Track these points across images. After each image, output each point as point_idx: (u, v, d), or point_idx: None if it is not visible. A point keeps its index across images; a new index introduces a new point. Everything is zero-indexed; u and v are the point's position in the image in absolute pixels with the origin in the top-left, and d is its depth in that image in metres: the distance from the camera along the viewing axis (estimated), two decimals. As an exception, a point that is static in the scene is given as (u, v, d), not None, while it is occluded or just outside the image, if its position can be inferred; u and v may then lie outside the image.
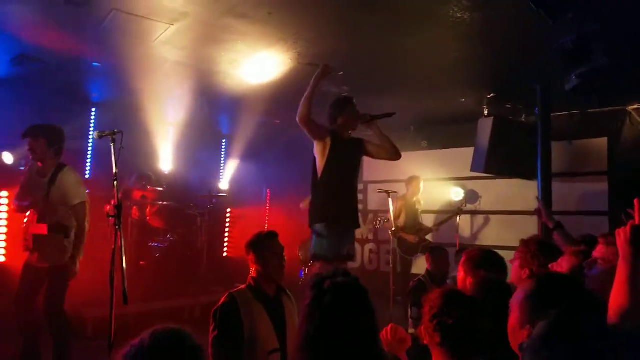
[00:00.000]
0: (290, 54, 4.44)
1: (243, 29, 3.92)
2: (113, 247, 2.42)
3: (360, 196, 7.43)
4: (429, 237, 6.25)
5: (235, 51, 4.39)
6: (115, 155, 2.55)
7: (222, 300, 2.36)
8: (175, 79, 5.15)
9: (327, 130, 3.53)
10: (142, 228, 5.80)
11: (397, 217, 5.99)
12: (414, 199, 6.21)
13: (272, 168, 5.86)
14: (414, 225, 6.11)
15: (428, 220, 6.51)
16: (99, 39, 4.15)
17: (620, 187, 5.48)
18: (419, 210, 6.28)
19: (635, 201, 1.57)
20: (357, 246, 7.44)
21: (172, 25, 3.84)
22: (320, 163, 3.53)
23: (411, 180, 6.20)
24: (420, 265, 5.39)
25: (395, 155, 3.71)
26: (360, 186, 7.48)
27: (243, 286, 2.47)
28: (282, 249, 2.50)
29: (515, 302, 1.46)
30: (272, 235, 2.54)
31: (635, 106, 5.55)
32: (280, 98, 5.70)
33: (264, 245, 2.44)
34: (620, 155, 5.65)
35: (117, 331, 2.40)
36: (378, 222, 6.36)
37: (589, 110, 5.66)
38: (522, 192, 5.95)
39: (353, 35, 4.04)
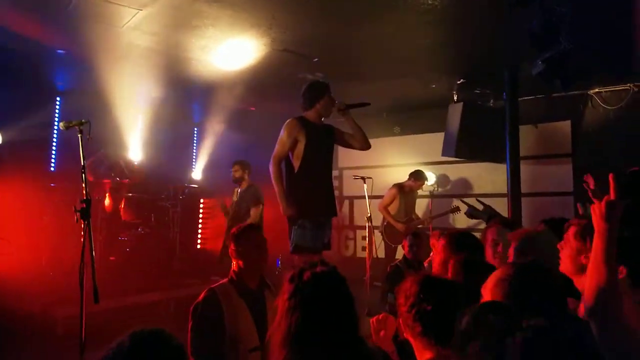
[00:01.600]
0: (265, 40, 4.32)
1: (215, 14, 3.77)
2: (82, 242, 2.29)
3: (335, 182, 7.40)
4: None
5: (207, 37, 4.23)
6: (82, 147, 2.40)
7: (203, 295, 2.26)
8: (144, 65, 4.95)
9: (296, 129, 3.41)
10: (112, 222, 5.58)
11: (387, 204, 5.95)
12: (414, 191, 6.13)
13: (246, 156, 5.75)
14: (407, 214, 6.07)
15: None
16: (64, 24, 3.93)
17: (584, 168, 5.61)
18: (415, 200, 6.23)
19: (610, 176, 1.55)
20: (333, 232, 7.41)
21: (141, 10, 3.66)
22: (295, 156, 3.44)
23: (417, 175, 6.06)
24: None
25: (366, 145, 3.67)
26: (336, 172, 7.45)
27: (224, 280, 2.38)
28: (264, 242, 2.43)
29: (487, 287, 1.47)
30: (252, 228, 2.47)
31: (596, 90, 5.67)
32: (256, 85, 5.58)
33: (245, 237, 2.36)
34: (582, 137, 5.78)
35: (88, 329, 2.29)
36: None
37: (554, 95, 5.75)
38: (491, 175, 6.04)
39: (327, 21, 3.96)
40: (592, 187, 1.87)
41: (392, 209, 6.00)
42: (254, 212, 5.39)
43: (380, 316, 1.85)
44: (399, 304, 1.57)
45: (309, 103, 3.49)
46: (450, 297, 1.55)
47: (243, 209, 5.47)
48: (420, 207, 6.61)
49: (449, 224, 6.55)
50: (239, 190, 5.63)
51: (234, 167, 5.57)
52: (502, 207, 5.51)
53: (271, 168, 3.41)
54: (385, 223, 5.99)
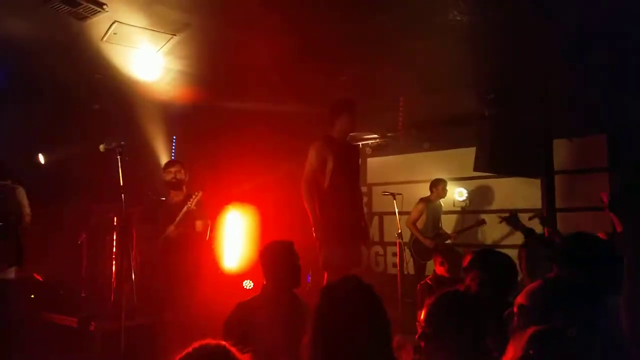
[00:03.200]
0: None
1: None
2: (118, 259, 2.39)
3: (365, 199, 7.41)
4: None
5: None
6: (121, 168, 2.52)
7: (233, 310, 2.32)
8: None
9: (324, 149, 3.51)
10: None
11: (415, 220, 5.93)
12: (438, 201, 6.12)
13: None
14: (434, 229, 6.03)
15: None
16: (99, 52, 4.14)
17: (621, 182, 5.45)
18: (441, 213, 6.20)
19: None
20: (364, 249, 7.38)
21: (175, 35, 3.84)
22: (324, 175, 3.51)
23: (437, 183, 6.06)
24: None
25: None
26: (365, 188, 7.45)
27: (255, 294, 2.43)
28: (298, 257, 2.47)
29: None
30: (287, 244, 2.52)
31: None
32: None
33: (269, 253, 2.41)
34: (619, 151, 5.61)
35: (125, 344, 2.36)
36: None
37: (589, 108, 5.62)
38: (525, 190, 5.92)
39: (353, 42, 4.02)
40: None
41: (420, 224, 5.96)
42: (204, 226, 4.25)
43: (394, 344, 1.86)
44: (419, 321, 1.59)
45: (331, 119, 3.60)
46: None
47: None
48: (451, 223, 6.51)
49: (478, 240, 6.44)
50: (174, 200, 4.28)
51: (174, 166, 4.32)
52: (536, 222, 5.40)
53: (304, 193, 3.49)
54: (413, 239, 5.95)
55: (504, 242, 5.62)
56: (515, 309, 1.48)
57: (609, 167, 5.68)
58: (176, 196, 4.24)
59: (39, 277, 4.76)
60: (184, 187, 4.27)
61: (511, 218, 3.52)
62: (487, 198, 6.60)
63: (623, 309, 1.95)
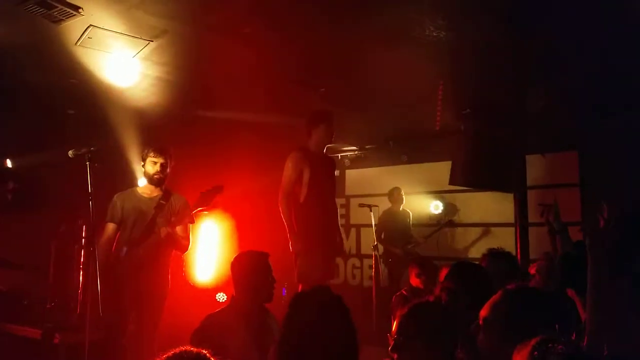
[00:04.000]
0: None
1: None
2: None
3: (342, 210, 7.43)
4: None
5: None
6: (90, 175, 2.46)
7: (201, 322, 2.27)
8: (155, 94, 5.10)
9: (301, 160, 3.52)
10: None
11: (381, 231, 5.98)
12: (400, 209, 6.22)
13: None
14: (402, 237, 6.10)
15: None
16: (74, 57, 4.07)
17: (591, 198, 5.60)
18: (409, 222, 6.28)
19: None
20: (340, 261, 7.38)
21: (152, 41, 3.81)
22: (300, 187, 3.51)
23: (392, 192, 6.23)
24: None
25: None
26: (343, 200, 7.47)
27: (224, 306, 2.39)
28: (271, 270, 2.45)
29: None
30: (261, 255, 2.49)
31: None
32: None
33: (239, 263, 2.38)
34: (590, 167, 5.78)
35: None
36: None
37: (561, 124, 5.79)
38: (499, 204, 6.03)
39: (332, 54, 4.06)
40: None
41: (387, 235, 6.05)
42: (187, 232, 3.56)
43: None
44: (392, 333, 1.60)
45: (308, 130, 3.62)
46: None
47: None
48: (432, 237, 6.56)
49: (457, 253, 6.51)
50: (150, 197, 3.52)
51: (162, 157, 3.50)
52: (510, 236, 5.50)
53: (281, 205, 3.49)
54: (383, 250, 6.00)
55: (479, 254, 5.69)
56: (480, 322, 1.50)
57: (580, 183, 5.84)
58: (151, 192, 3.47)
59: (0, 287, 4.59)
60: (163, 185, 3.51)
61: (554, 206, 3.36)
62: (463, 211, 6.69)
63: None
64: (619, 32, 3.51)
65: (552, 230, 3.12)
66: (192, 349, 1.16)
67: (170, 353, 1.14)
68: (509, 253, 3.04)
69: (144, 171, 3.48)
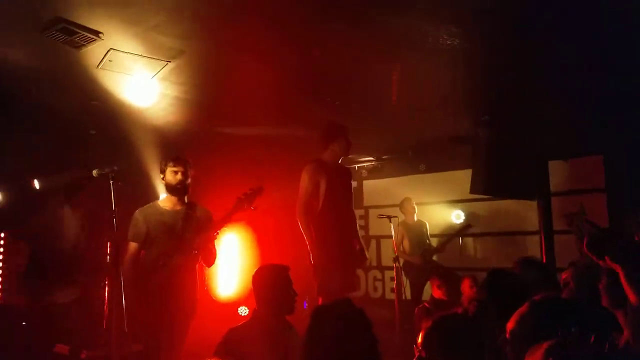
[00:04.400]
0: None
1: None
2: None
3: (361, 222, 7.40)
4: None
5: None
6: (114, 193, 2.53)
7: (224, 336, 2.29)
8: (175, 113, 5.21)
9: (316, 172, 3.54)
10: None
11: (399, 244, 5.95)
12: (415, 220, 6.17)
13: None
14: (420, 247, 6.05)
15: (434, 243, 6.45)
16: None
17: (619, 203, 5.46)
18: (427, 232, 6.23)
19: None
20: (360, 273, 7.33)
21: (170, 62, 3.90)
22: (317, 199, 3.53)
23: (403, 204, 6.20)
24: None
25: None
26: (362, 211, 7.45)
27: (246, 320, 2.41)
28: (291, 283, 2.45)
29: None
30: (282, 268, 2.49)
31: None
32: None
33: (259, 277, 2.40)
34: (616, 172, 5.64)
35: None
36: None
37: (585, 128, 5.68)
38: (522, 212, 5.92)
39: (347, 67, 4.09)
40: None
41: (406, 247, 6.03)
42: (214, 245, 3.44)
43: None
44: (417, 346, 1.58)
45: (324, 144, 3.63)
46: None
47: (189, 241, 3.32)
48: (451, 247, 6.47)
49: (480, 263, 6.40)
50: (174, 209, 3.44)
51: (181, 165, 3.47)
52: (534, 244, 5.39)
53: (300, 218, 3.50)
54: (403, 262, 5.94)
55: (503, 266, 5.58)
56: (507, 335, 1.47)
57: (607, 188, 5.70)
58: (174, 204, 3.37)
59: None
60: (186, 196, 3.42)
61: (578, 215, 3.37)
62: (485, 220, 6.59)
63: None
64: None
65: (581, 238, 3.06)
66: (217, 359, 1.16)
67: None
68: (540, 261, 2.97)
69: (165, 183, 3.41)
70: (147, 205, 3.40)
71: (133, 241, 3.21)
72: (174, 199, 3.39)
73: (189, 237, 3.20)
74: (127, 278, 2.74)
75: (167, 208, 3.39)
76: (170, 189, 3.37)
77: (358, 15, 3.30)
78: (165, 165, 3.39)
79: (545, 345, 1.10)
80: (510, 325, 1.46)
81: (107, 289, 4.76)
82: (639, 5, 3.04)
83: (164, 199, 3.50)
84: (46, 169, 5.36)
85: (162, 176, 3.43)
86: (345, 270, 3.56)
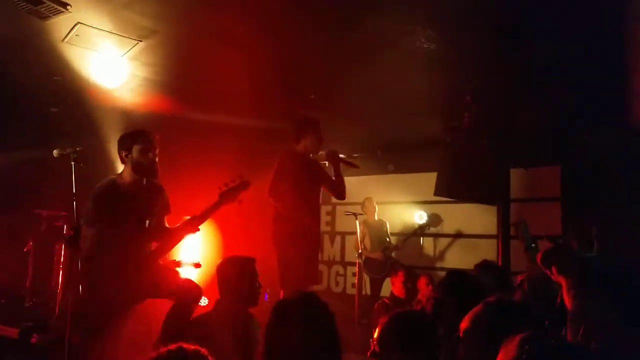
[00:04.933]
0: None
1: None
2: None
3: (328, 218, 7.44)
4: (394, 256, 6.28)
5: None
6: (75, 175, 2.44)
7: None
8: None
9: (287, 159, 3.52)
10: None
11: (361, 240, 6.03)
12: (375, 219, 6.27)
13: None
14: (380, 245, 6.15)
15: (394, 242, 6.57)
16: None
17: (572, 212, 5.71)
18: (387, 231, 6.33)
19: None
20: (324, 268, 7.38)
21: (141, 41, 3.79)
22: (286, 188, 3.51)
23: (364, 203, 6.29)
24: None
25: (341, 196, 3.77)
26: (329, 207, 7.48)
27: (207, 310, 2.38)
28: (257, 275, 2.44)
29: None
30: (248, 260, 2.49)
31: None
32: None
33: (238, 268, 2.37)
34: (572, 182, 5.89)
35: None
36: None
37: (544, 139, 5.90)
38: (482, 216, 6.10)
39: (322, 61, 4.09)
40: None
41: (367, 243, 6.14)
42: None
43: None
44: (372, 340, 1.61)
45: (296, 137, 3.61)
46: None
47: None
48: (412, 246, 6.60)
49: (438, 262, 6.56)
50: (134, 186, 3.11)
51: (154, 147, 3.10)
52: (492, 248, 5.56)
53: (271, 195, 3.47)
54: (364, 258, 6.02)
55: (463, 267, 5.75)
56: (460, 334, 1.52)
57: (562, 197, 5.95)
58: (138, 183, 3.03)
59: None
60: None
61: (521, 224, 3.59)
62: (446, 222, 6.75)
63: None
64: (605, 48, 3.61)
65: (528, 246, 3.27)
66: (187, 345, 1.14)
67: (164, 350, 1.11)
68: (497, 265, 3.09)
69: (133, 160, 2.98)
70: (105, 181, 3.00)
71: (88, 224, 2.84)
72: (135, 176, 3.01)
73: (155, 216, 3.04)
74: (83, 259, 2.53)
75: (130, 185, 3.03)
76: (140, 168, 2.99)
77: (335, 12, 3.31)
78: (135, 143, 3.00)
79: (518, 337, 1.12)
80: (464, 324, 1.50)
81: (61, 272, 4.60)
82: (602, 17, 3.17)
83: (123, 173, 3.08)
84: (2, 145, 5.11)
85: (125, 153, 3.00)
86: (309, 263, 3.57)
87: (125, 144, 3.01)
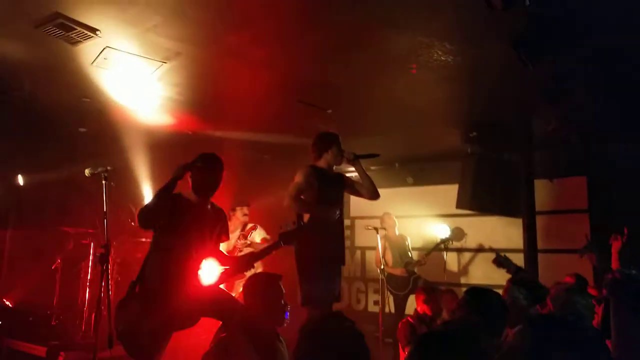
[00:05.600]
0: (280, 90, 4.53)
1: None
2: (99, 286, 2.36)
3: (347, 232, 7.42)
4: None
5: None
6: (106, 194, 2.52)
7: (211, 345, 2.26)
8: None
9: (311, 175, 3.52)
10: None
11: (382, 255, 5.97)
12: (397, 234, 6.21)
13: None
14: (402, 260, 6.08)
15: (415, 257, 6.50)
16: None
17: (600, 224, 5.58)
18: (408, 246, 6.27)
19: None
20: (344, 284, 7.34)
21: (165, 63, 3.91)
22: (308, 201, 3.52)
23: (382, 218, 6.23)
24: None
25: (374, 195, 3.76)
26: (347, 222, 7.47)
27: (235, 331, 2.38)
28: (283, 293, 2.45)
29: None
30: (274, 277, 2.50)
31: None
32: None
33: (264, 286, 2.39)
34: (599, 193, 5.77)
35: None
36: None
37: (570, 150, 5.81)
38: (507, 230, 6.00)
39: (342, 75, 4.14)
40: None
41: (388, 259, 6.04)
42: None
43: None
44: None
45: (318, 153, 3.63)
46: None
47: None
48: (435, 261, 6.53)
49: (462, 278, 6.46)
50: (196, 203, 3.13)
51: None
52: (517, 262, 5.45)
53: (291, 203, 3.43)
54: (386, 274, 5.94)
55: (488, 282, 5.65)
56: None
57: (589, 209, 5.83)
58: (201, 202, 3.04)
59: (7, 303, 4.61)
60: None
61: (498, 259, 3.62)
62: (470, 236, 6.67)
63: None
64: (632, 58, 3.57)
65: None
66: None
67: None
68: (532, 278, 3.04)
69: (193, 179, 3.00)
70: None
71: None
72: (196, 197, 3.03)
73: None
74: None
75: (194, 202, 3.02)
76: (200, 188, 3.01)
77: (353, 28, 3.36)
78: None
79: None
80: (509, 339, 1.49)
81: (87, 290, 4.69)
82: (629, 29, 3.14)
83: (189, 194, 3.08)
84: (33, 166, 5.29)
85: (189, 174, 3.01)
86: (331, 281, 3.55)
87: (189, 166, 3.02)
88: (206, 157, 3.02)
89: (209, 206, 3.08)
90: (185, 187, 2.99)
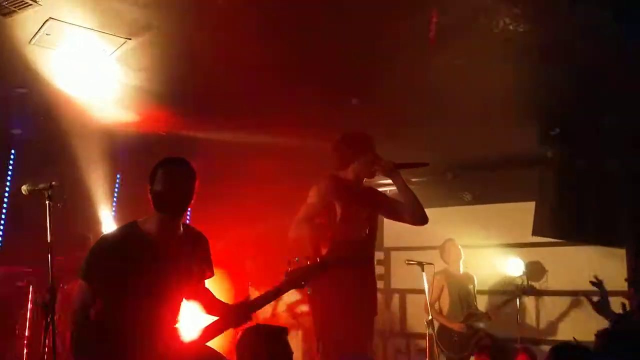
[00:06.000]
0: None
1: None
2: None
3: (379, 268, 7.39)
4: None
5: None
6: (50, 217, 2.56)
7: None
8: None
9: (330, 191, 3.54)
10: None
11: (435, 300, 5.92)
12: (460, 272, 6.16)
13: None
14: (463, 310, 6.01)
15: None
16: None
17: None
18: (474, 290, 6.21)
19: None
20: (378, 343, 7.30)
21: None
22: (326, 227, 3.55)
23: (444, 246, 6.20)
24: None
25: (420, 219, 3.76)
26: (380, 255, 7.46)
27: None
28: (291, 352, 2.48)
29: None
30: (277, 332, 2.55)
31: None
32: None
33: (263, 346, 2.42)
34: None
35: None
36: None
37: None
38: (605, 264, 5.92)
39: (368, 47, 4.09)
40: None
41: (444, 305, 6.04)
42: None
43: None
44: None
45: (344, 161, 3.64)
46: None
47: None
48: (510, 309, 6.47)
49: (543, 333, 6.39)
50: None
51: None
52: (618, 308, 5.39)
53: (295, 232, 3.47)
54: (438, 327, 5.89)
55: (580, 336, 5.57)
56: None
57: None
58: (162, 227, 2.82)
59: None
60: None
61: (600, 303, 3.57)
62: (552, 273, 6.60)
63: None
64: None
65: None
66: None
67: None
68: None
69: (157, 193, 2.79)
70: (121, 227, 2.92)
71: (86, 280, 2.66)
72: (163, 218, 2.83)
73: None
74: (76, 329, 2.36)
75: (153, 232, 2.84)
76: (165, 205, 2.81)
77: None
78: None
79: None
80: None
81: (24, 349, 4.76)
82: None
83: (146, 219, 2.91)
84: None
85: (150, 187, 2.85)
86: (360, 324, 3.58)
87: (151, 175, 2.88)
88: (167, 162, 2.82)
89: (181, 230, 2.86)
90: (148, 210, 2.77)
